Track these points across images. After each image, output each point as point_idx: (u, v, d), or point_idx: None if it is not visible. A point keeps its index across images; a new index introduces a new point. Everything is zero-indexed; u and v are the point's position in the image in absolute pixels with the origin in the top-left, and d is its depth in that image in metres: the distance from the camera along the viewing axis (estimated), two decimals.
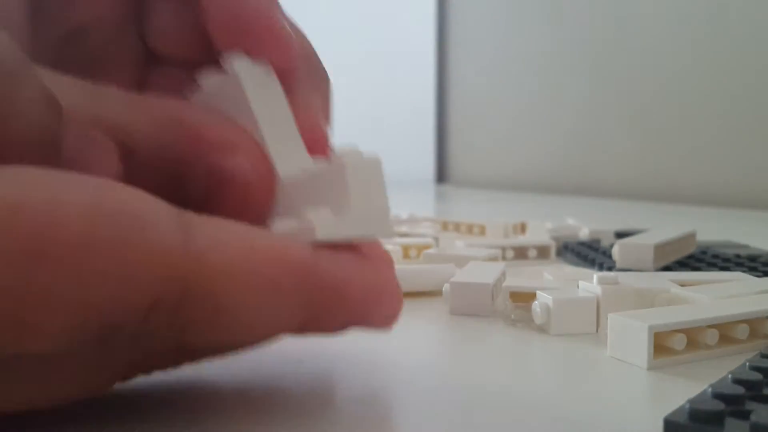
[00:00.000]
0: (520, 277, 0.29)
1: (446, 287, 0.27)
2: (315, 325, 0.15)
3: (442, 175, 1.16)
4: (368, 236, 0.16)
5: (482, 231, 0.48)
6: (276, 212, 0.17)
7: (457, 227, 0.50)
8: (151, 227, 0.13)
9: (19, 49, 0.13)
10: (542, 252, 0.39)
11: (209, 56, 0.19)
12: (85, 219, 0.12)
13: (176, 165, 0.16)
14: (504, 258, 0.38)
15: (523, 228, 0.48)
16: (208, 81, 0.18)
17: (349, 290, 0.15)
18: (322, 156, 0.18)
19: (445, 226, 0.50)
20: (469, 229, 0.49)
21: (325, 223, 0.15)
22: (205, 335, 0.14)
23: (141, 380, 0.16)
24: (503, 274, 0.29)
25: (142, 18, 0.21)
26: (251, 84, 0.18)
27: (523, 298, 0.26)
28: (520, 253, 0.39)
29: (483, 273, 0.28)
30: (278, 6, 0.19)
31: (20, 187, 0.12)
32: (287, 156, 0.18)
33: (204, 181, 0.16)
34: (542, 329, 0.24)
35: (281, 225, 0.16)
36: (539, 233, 0.44)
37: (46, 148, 0.13)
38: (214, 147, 0.16)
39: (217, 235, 0.14)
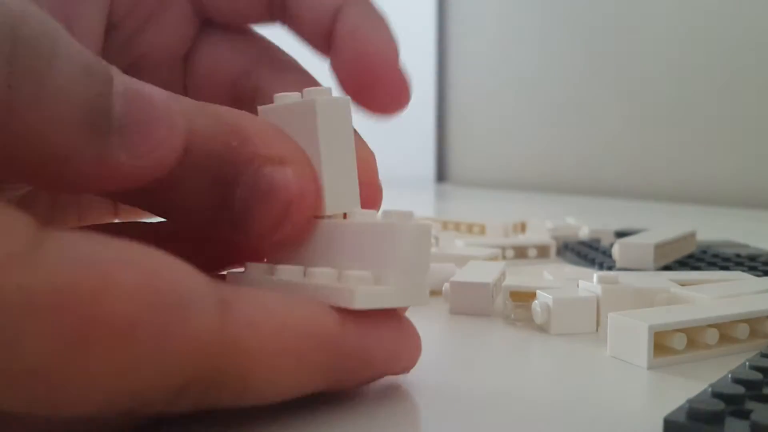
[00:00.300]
0: (520, 277, 0.29)
1: (446, 287, 0.27)
2: (336, 387, 0.16)
3: (442, 175, 1.16)
4: (404, 305, 0.17)
5: (482, 230, 0.47)
6: (315, 244, 0.17)
7: (457, 227, 0.49)
8: (192, 313, 0.13)
9: (51, 19, 0.13)
10: (542, 251, 0.39)
11: None
12: (133, 305, 0.12)
13: (226, 168, 0.16)
14: (504, 257, 0.38)
15: (523, 227, 0.48)
16: (283, 100, 0.18)
17: (372, 356, 0.16)
18: (373, 210, 0.18)
19: (445, 225, 0.50)
20: (469, 228, 0.49)
21: (365, 291, 0.15)
22: (229, 405, 0.14)
23: None
24: (503, 274, 0.29)
25: (187, 68, 0.22)
26: (326, 118, 0.17)
27: (523, 298, 0.26)
28: (520, 252, 0.39)
29: (483, 272, 0.28)
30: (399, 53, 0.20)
31: (72, 266, 0.12)
32: (339, 196, 0.18)
33: (250, 188, 0.16)
34: (542, 329, 0.24)
35: (320, 278, 0.16)
36: (539, 232, 0.44)
37: (97, 119, 0.13)
38: (265, 156, 0.16)
39: (253, 315, 0.14)
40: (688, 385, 0.18)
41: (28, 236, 0.12)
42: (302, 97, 0.18)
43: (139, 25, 0.21)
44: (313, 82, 0.21)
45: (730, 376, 0.17)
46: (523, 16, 1.01)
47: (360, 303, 0.15)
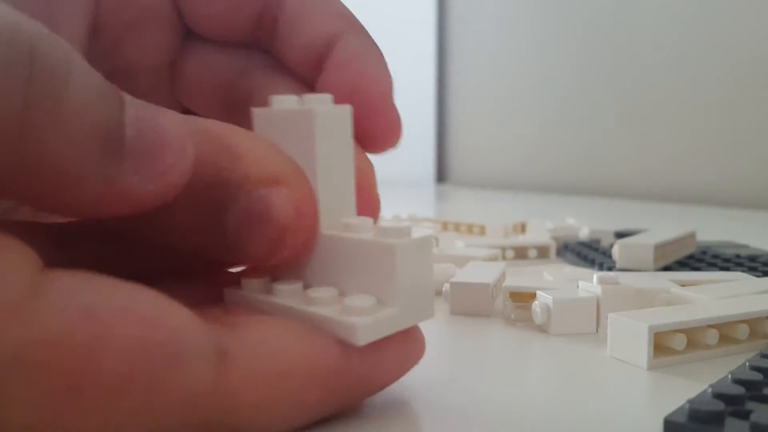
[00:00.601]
0: (520, 277, 0.29)
1: (446, 287, 0.27)
2: (338, 411, 0.16)
3: (442, 175, 1.16)
4: (409, 325, 0.16)
5: (482, 231, 0.48)
6: (313, 259, 0.17)
7: (457, 227, 0.50)
8: (187, 367, 0.13)
9: (64, 41, 0.13)
10: (542, 252, 0.39)
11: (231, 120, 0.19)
12: (127, 359, 0.12)
13: (217, 191, 0.15)
14: (504, 258, 0.38)
15: (523, 228, 0.48)
16: (280, 105, 0.17)
17: (378, 377, 0.16)
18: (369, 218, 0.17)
19: (445, 226, 0.50)
20: (469, 229, 0.49)
21: (367, 324, 0.15)
22: None
23: None
24: (503, 274, 0.29)
25: (174, 74, 0.22)
26: (325, 128, 0.16)
27: (523, 298, 0.26)
28: (520, 253, 0.39)
29: (483, 273, 0.28)
30: (393, 86, 0.19)
31: (66, 318, 0.12)
32: (335, 210, 0.17)
33: (243, 213, 0.15)
34: (542, 329, 0.24)
35: (321, 305, 0.15)
36: (539, 233, 0.44)
37: (110, 142, 0.13)
38: (258, 177, 0.15)
39: (252, 367, 0.14)
40: (688, 386, 0.18)
41: (25, 283, 0.12)
42: (300, 103, 0.17)
43: (122, 32, 0.21)
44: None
45: (730, 376, 0.17)
46: (523, 17, 1.01)
47: (364, 339, 0.15)
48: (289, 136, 0.17)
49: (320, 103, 0.17)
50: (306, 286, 0.17)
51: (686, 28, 0.81)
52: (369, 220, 0.17)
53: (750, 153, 0.76)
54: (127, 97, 0.14)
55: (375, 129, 0.19)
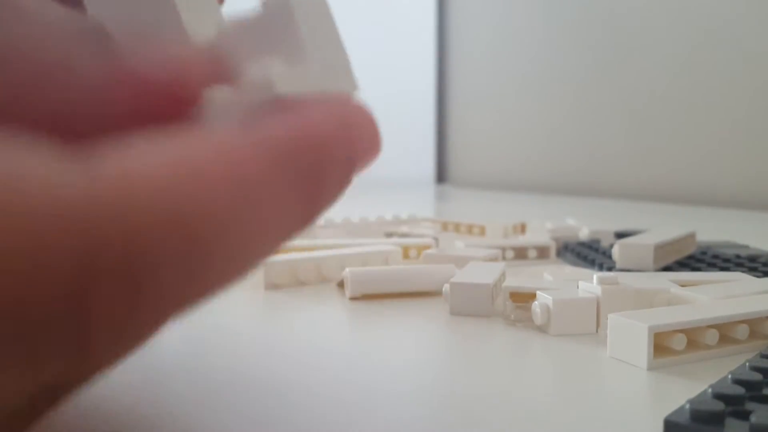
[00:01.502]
0: (520, 278, 0.29)
1: (446, 287, 0.27)
2: (315, 195, 0.12)
3: (442, 175, 1.16)
4: (332, 89, 0.13)
5: (482, 231, 0.48)
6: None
7: (456, 228, 0.50)
8: (28, 182, 0.08)
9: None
10: (542, 252, 0.39)
11: None
12: None
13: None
14: (504, 258, 0.38)
15: (522, 228, 0.49)
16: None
17: (326, 138, 0.12)
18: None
19: (444, 226, 0.50)
20: (469, 229, 0.49)
21: (282, 75, 0.12)
22: (183, 289, 0.10)
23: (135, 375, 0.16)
24: (503, 275, 0.29)
25: None
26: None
27: (523, 298, 0.26)
28: (520, 253, 0.39)
29: (483, 273, 0.28)
30: None
31: None
32: (196, 9, 0.14)
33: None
34: (542, 330, 0.24)
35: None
36: (539, 233, 0.44)
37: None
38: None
39: (130, 161, 0.09)
40: (688, 386, 0.18)
41: None
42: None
43: None
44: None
45: (730, 376, 0.17)
46: (524, 17, 1.01)
47: (282, 86, 0.12)
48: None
49: None
50: None
51: (687, 29, 0.81)
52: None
53: (750, 153, 0.76)
54: None
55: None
